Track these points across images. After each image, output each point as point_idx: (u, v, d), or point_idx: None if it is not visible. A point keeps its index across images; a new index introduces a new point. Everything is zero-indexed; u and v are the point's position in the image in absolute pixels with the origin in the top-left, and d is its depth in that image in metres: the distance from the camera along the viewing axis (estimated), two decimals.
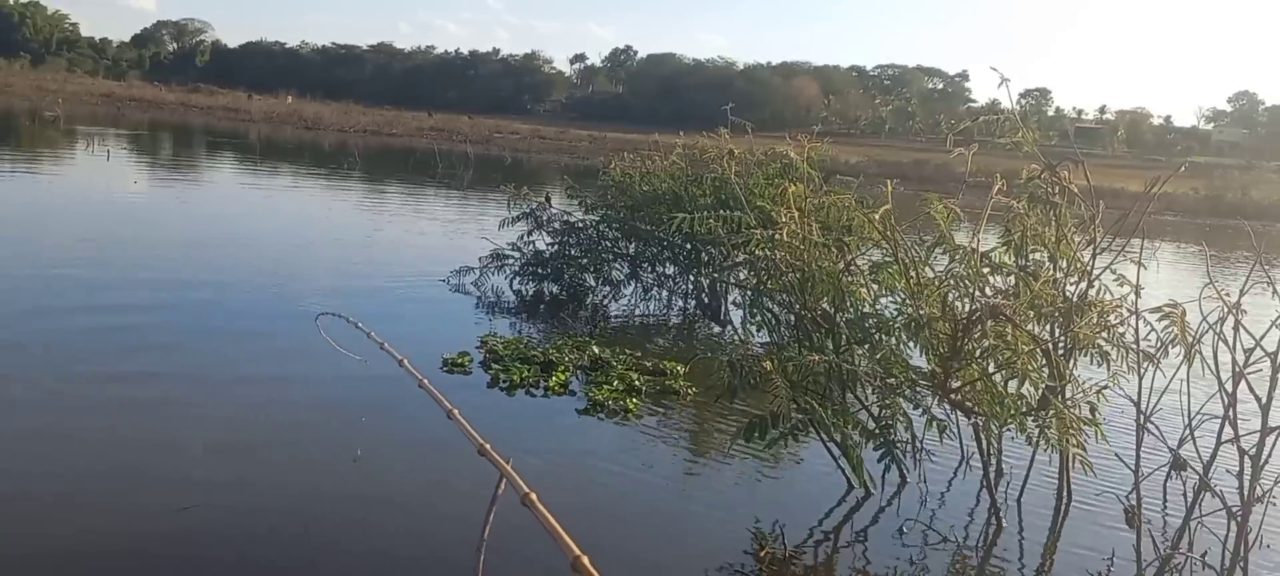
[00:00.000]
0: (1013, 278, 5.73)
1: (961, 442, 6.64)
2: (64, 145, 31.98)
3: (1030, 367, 5.31)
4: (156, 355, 7.96)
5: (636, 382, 8.01)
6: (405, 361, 2.62)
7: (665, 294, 12.48)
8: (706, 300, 11.93)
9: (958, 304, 5.45)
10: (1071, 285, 5.77)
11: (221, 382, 7.38)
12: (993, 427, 5.90)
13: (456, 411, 2.16)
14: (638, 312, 12.02)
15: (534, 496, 1.84)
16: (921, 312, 5.51)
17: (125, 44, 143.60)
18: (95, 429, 6.14)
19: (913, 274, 5.68)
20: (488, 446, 1.94)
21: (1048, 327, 5.61)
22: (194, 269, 12.02)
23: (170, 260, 12.55)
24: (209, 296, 10.41)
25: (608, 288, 12.26)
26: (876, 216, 5.75)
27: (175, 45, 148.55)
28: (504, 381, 7.88)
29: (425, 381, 2.44)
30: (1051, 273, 5.75)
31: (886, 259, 6.09)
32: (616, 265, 12.30)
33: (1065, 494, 6.11)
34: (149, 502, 5.12)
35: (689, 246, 11.35)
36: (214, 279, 11.42)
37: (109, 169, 25.14)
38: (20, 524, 4.76)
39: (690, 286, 12.23)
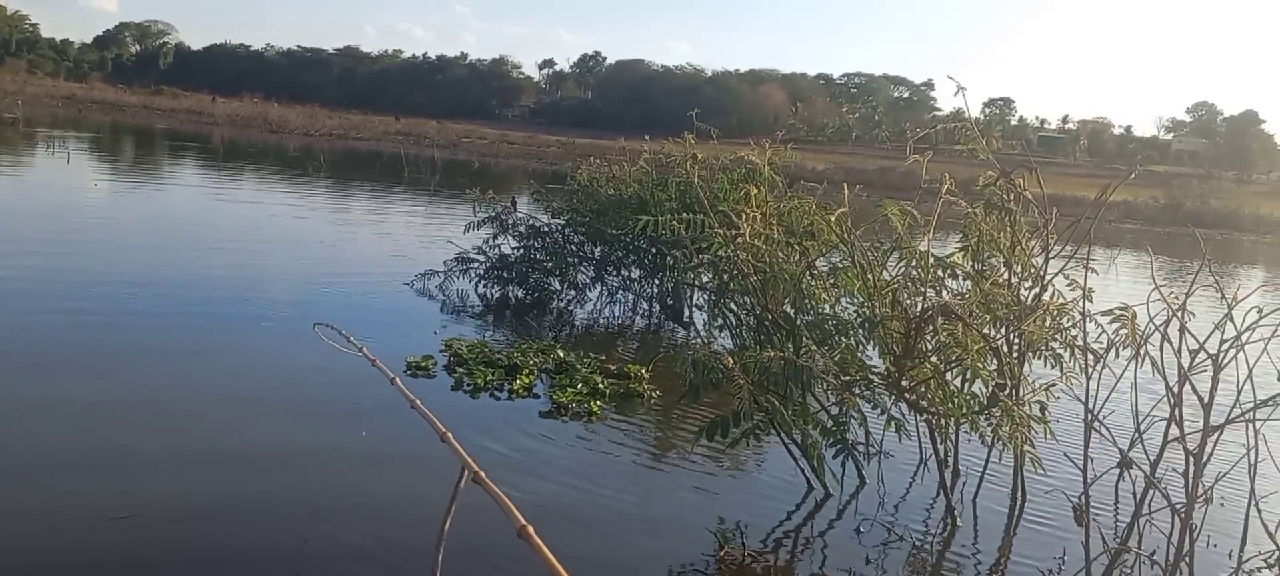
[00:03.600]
0: (968, 281, 5.84)
1: (920, 444, 6.75)
2: (24, 147, 31.53)
3: (980, 366, 5.42)
4: (107, 357, 7.90)
5: (600, 385, 8.05)
6: (397, 380, 2.59)
7: (630, 298, 12.54)
8: (670, 303, 11.99)
9: (910, 303, 5.55)
10: (1026, 289, 5.89)
11: (173, 387, 7.33)
12: (949, 427, 6.00)
13: (450, 435, 2.15)
14: (602, 317, 12.07)
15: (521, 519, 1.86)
16: (876, 313, 5.61)
17: (87, 45, 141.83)
18: (43, 434, 6.08)
19: (869, 276, 5.79)
20: (482, 474, 1.95)
21: (1001, 329, 5.72)
22: (150, 270, 11.90)
23: (126, 262, 12.42)
24: (165, 299, 10.31)
25: (573, 291, 12.29)
26: (832, 219, 5.84)
27: (138, 47, 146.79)
28: (468, 385, 7.90)
29: (418, 402, 2.41)
30: (1006, 276, 5.87)
31: (845, 262, 6.20)
32: (582, 269, 12.34)
33: (1020, 494, 6.23)
34: (92, 510, 5.00)
35: (654, 250, 11.42)
36: (171, 281, 11.32)
37: (69, 171, 24.82)
38: None
39: (655, 290, 12.30)
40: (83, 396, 6.84)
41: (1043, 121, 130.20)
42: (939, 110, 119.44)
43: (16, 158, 28.21)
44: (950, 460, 6.39)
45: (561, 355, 8.83)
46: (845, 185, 6.32)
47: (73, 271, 11.34)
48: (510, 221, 12.39)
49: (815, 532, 5.75)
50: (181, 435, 6.24)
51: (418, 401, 2.34)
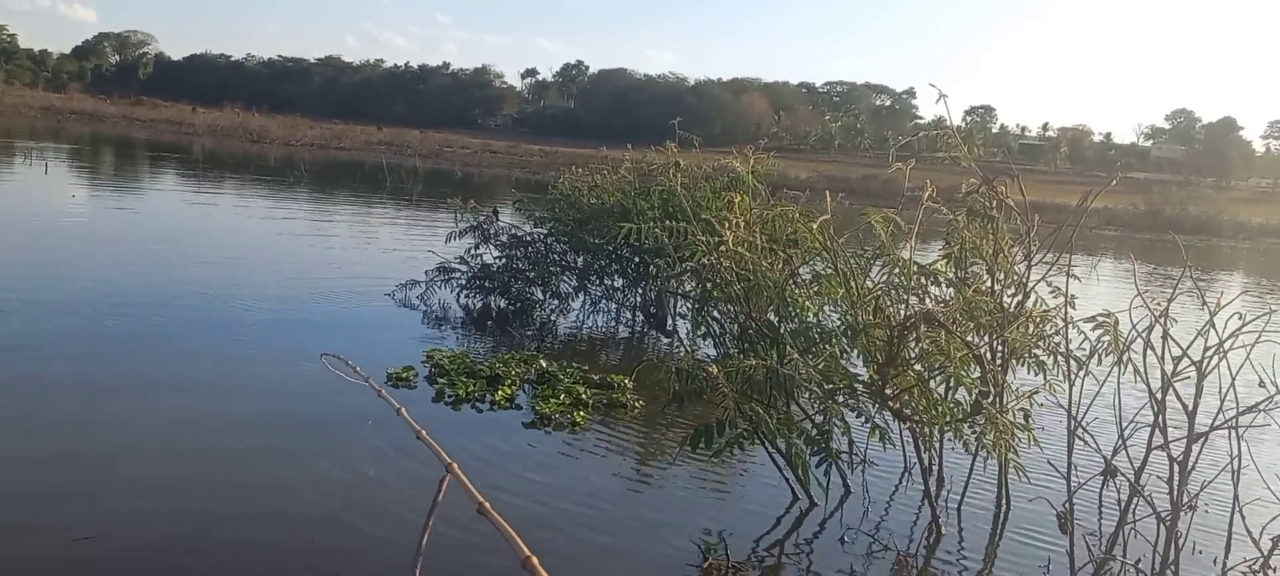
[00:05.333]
0: (951, 288, 5.84)
1: (904, 452, 6.74)
2: (1, 158, 31.24)
3: (963, 373, 5.41)
4: (85, 371, 7.80)
5: (583, 396, 8.00)
6: (402, 410, 2.52)
7: (613, 307, 12.51)
8: (653, 312, 11.96)
9: (892, 310, 5.54)
10: (1008, 296, 5.89)
11: (151, 398, 7.24)
12: (933, 435, 5.99)
13: (455, 465, 2.09)
14: (585, 326, 12.02)
15: (488, 504, 1.82)
16: (859, 320, 5.60)
17: (66, 56, 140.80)
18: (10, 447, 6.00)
19: (852, 283, 5.77)
20: (487, 505, 1.89)
21: (984, 336, 5.71)
22: (130, 280, 11.78)
23: (103, 273, 12.26)
24: (146, 309, 10.20)
25: (556, 301, 12.24)
26: (815, 226, 5.83)
27: (118, 57, 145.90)
28: (449, 396, 7.83)
29: (423, 432, 2.33)
30: (989, 283, 5.86)
31: (828, 270, 6.18)
32: (564, 278, 12.30)
33: (1004, 502, 6.22)
34: (52, 528, 4.89)
35: (636, 259, 11.39)
36: (152, 291, 11.20)
37: (47, 182, 24.61)
38: None
39: (638, 299, 12.26)
40: (56, 409, 6.75)
41: (1023, 129, 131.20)
42: (921, 118, 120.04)
43: None
44: (934, 468, 6.37)
45: (544, 365, 8.77)
46: (828, 193, 6.31)
47: (46, 283, 11.20)
48: (492, 231, 12.34)
49: (800, 542, 5.72)
50: (160, 447, 6.15)
51: (423, 431, 2.27)
